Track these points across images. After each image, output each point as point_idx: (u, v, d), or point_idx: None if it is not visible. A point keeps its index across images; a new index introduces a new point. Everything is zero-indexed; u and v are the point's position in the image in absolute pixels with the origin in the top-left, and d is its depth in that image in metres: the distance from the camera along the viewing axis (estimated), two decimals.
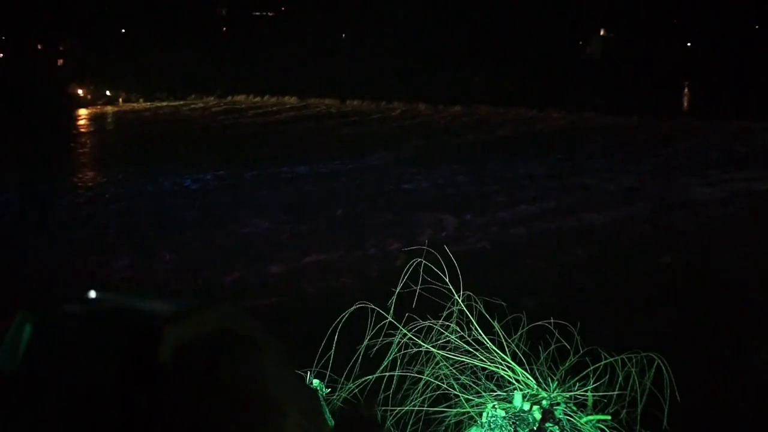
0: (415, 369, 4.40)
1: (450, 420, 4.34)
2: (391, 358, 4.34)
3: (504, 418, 4.23)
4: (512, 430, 4.21)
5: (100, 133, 32.44)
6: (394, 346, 4.34)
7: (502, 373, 4.36)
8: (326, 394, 4.22)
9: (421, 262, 4.50)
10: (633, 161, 21.07)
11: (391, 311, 4.41)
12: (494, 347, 4.37)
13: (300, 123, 31.71)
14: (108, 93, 41.23)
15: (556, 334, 4.47)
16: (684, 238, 13.29)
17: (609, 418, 4.23)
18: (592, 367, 4.30)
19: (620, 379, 4.25)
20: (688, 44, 57.56)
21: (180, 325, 0.70)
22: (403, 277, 4.45)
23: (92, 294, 0.74)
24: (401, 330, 4.38)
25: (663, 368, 4.21)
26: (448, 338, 4.40)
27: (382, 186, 17.98)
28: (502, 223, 14.15)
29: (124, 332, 0.70)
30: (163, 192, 17.69)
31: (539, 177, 18.87)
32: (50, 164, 21.94)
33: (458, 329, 4.40)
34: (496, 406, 4.30)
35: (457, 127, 29.05)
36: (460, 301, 4.42)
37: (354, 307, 4.35)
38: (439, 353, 4.35)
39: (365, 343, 4.30)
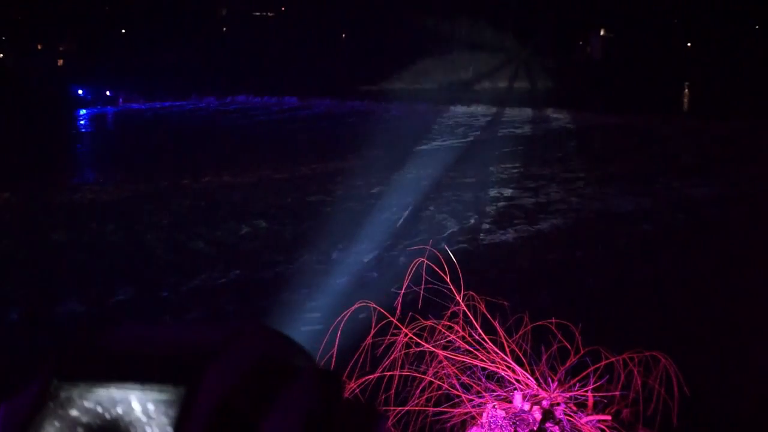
0: (416, 368, 4.40)
1: (452, 419, 4.34)
2: (391, 357, 4.34)
3: (504, 418, 4.24)
4: (513, 430, 4.22)
5: (97, 135, 32.56)
6: (395, 345, 4.34)
7: (502, 373, 4.37)
8: None
9: (423, 262, 4.51)
10: (589, 168, 19.88)
11: (397, 311, 4.41)
12: (495, 347, 4.37)
13: (264, 126, 31.00)
14: (108, 93, 41.20)
15: (558, 334, 4.47)
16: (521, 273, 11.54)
17: (609, 418, 4.23)
18: (592, 367, 4.30)
19: (621, 378, 4.25)
20: (688, 44, 57.57)
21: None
22: (407, 277, 4.45)
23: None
24: (403, 329, 4.38)
25: (667, 367, 4.21)
26: (449, 338, 4.41)
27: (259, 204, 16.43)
28: (361, 251, 12.36)
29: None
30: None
31: (463, 187, 17.46)
32: (41, 167, 21.64)
33: (460, 329, 4.40)
34: (496, 406, 4.30)
35: (435, 131, 27.51)
36: (461, 301, 4.43)
37: (355, 306, 4.35)
38: (441, 353, 4.35)
39: (367, 342, 4.29)
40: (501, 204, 16.07)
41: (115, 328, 0.76)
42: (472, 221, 14.57)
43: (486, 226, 14.24)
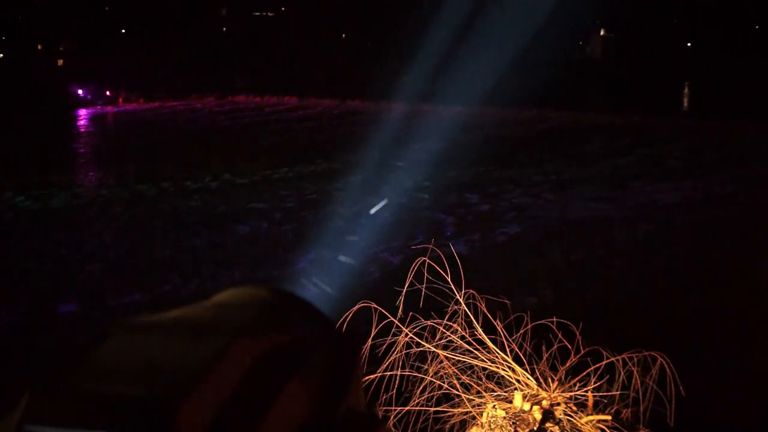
0: (417, 368, 4.40)
1: (453, 419, 4.34)
2: (392, 358, 4.34)
3: (504, 418, 4.24)
4: (513, 430, 4.22)
5: (95, 135, 32.70)
6: (396, 346, 4.34)
7: (502, 373, 4.37)
8: None
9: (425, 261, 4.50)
10: (567, 171, 19.33)
11: (399, 311, 4.40)
12: (496, 347, 4.37)
13: (248, 129, 30.68)
14: (108, 93, 41.19)
15: (559, 334, 4.47)
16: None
17: (609, 418, 4.23)
18: (592, 367, 4.30)
19: (621, 378, 4.25)
20: (688, 44, 57.55)
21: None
22: (409, 276, 4.45)
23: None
24: (404, 330, 4.38)
25: (666, 367, 4.21)
26: (450, 338, 4.41)
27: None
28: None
29: None
30: None
31: (423, 190, 16.76)
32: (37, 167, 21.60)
33: (460, 329, 4.40)
34: (496, 406, 4.30)
35: (418, 134, 26.22)
36: (462, 301, 4.43)
37: (357, 307, 4.35)
38: (441, 353, 4.35)
39: (368, 343, 4.29)
40: (459, 214, 15.62)
41: (90, 350, 0.68)
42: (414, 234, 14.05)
43: (447, 233, 13.80)
